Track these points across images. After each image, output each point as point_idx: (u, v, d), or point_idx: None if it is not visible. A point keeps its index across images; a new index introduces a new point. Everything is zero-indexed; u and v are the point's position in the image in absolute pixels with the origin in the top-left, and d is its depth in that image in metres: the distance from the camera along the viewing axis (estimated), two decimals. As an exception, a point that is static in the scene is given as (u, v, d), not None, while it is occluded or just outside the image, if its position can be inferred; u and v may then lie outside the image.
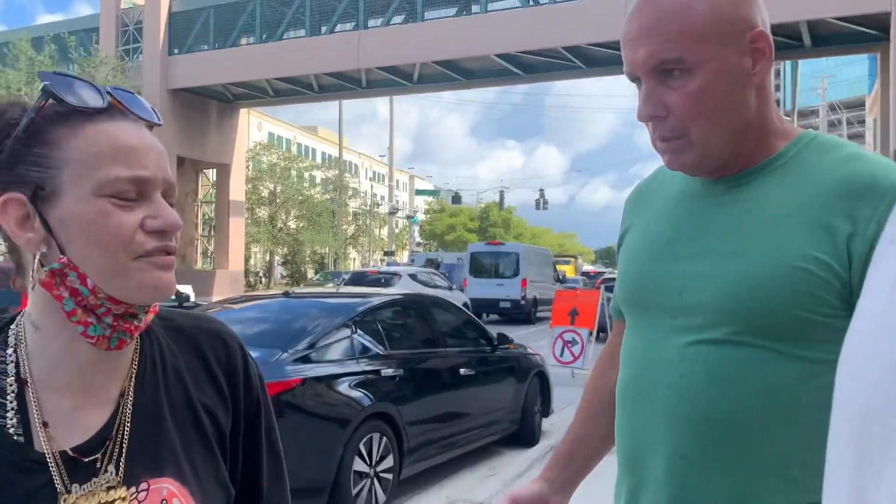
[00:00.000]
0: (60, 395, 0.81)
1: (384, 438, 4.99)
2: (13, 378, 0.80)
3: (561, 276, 29.09)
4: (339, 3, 27.06)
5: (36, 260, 0.78)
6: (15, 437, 0.78)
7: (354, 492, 4.69)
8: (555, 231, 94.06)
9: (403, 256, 55.21)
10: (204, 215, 35.31)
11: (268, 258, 42.99)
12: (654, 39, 1.05)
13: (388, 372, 5.17)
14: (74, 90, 0.79)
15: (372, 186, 67.03)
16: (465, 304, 18.63)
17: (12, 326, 0.84)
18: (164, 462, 0.85)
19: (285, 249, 42.46)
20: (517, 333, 10.65)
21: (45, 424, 0.79)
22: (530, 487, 1.28)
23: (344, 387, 4.77)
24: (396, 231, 52.57)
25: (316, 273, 42.00)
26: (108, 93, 0.82)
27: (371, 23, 26.79)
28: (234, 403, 0.95)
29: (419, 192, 60.90)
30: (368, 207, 52.57)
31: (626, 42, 1.09)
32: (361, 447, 4.78)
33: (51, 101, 0.79)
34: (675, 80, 1.05)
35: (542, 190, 52.11)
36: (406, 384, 5.34)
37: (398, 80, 27.95)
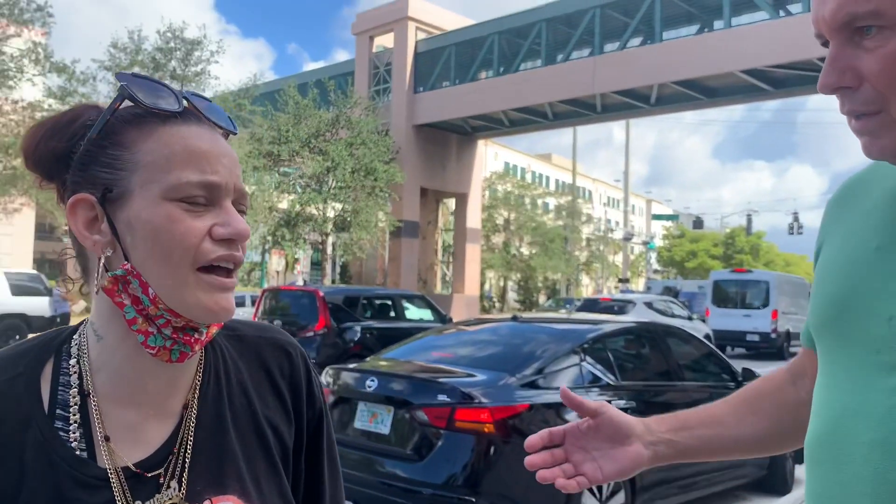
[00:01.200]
0: (123, 408, 0.79)
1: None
2: (76, 390, 0.78)
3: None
4: (575, 31, 27.19)
5: (101, 264, 0.76)
6: (77, 452, 0.76)
7: (583, 526, 4.51)
8: (811, 258, 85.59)
9: (639, 284, 53.47)
10: (443, 242, 37.09)
11: (501, 283, 43.95)
12: None
13: (619, 403, 4.93)
14: (150, 92, 0.78)
15: (606, 212, 66.04)
16: (706, 336, 17.49)
17: (75, 337, 0.82)
18: (228, 478, 0.82)
19: (518, 275, 43.14)
20: (766, 370, 9.72)
21: (107, 439, 0.77)
22: (627, 418, 1.09)
23: (572, 415, 4.62)
24: (632, 257, 51.12)
25: (548, 299, 42.13)
26: (184, 98, 0.80)
27: (607, 47, 26.56)
28: (297, 417, 0.91)
29: (657, 217, 58.73)
30: (602, 233, 51.78)
31: None
32: (590, 480, 4.60)
33: (126, 102, 0.77)
34: (871, 40, 0.81)
35: (795, 213, 47.62)
36: (639, 417, 5.06)
37: (635, 102, 27.34)
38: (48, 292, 16.12)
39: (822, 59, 0.88)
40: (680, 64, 23.86)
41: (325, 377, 5.14)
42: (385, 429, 4.52)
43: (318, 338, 10.46)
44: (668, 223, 65.99)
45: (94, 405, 0.78)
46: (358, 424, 4.67)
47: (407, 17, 32.09)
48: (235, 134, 0.84)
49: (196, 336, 0.78)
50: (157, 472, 0.78)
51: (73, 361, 0.80)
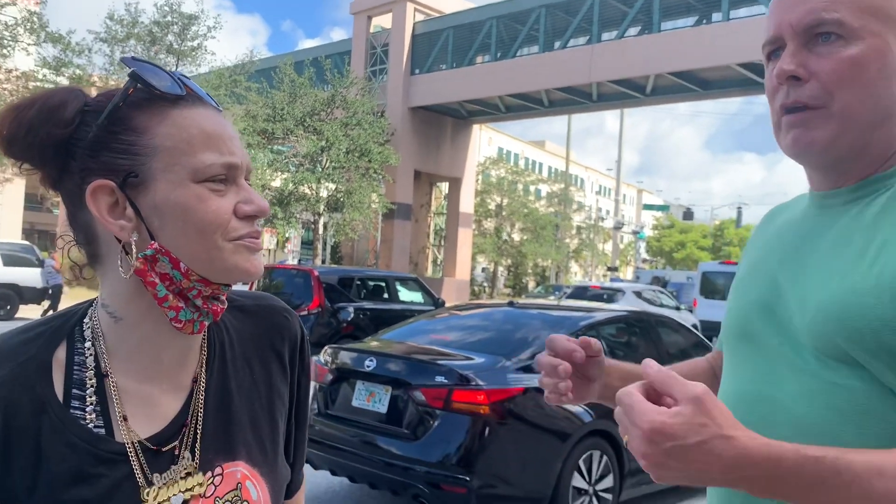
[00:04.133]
0: (139, 385, 0.82)
1: (604, 457, 4.88)
2: (92, 371, 0.80)
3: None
4: (574, 18, 27.13)
5: (133, 247, 0.77)
6: (94, 430, 0.78)
7: (572, 507, 4.64)
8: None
9: (627, 273, 53.74)
10: (436, 226, 37.12)
11: (492, 268, 44.09)
12: None
13: (610, 389, 5.06)
14: (157, 77, 0.79)
15: (598, 200, 66.18)
16: (693, 326, 17.66)
17: (86, 320, 0.83)
18: (236, 445, 0.86)
19: (509, 261, 43.28)
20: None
21: (124, 418, 0.80)
22: (606, 363, 1.18)
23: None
24: (621, 246, 51.33)
25: (537, 285, 42.32)
26: (179, 79, 0.81)
27: (605, 36, 26.54)
28: (292, 377, 0.97)
29: (647, 207, 58.97)
30: (593, 221, 51.95)
31: (777, 2, 1.00)
32: (581, 463, 4.72)
33: (138, 86, 0.78)
34: (827, 47, 0.94)
35: (784, 208, 47.84)
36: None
37: (630, 92, 27.37)
38: (40, 263, 16.07)
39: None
40: (677, 55, 23.89)
41: (324, 356, 5.23)
42: (382, 408, 4.63)
43: (312, 317, 10.54)
44: (659, 213, 66.25)
45: (113, 385, 0.80)
46: (356, 403, 4.78)
47: (405, -1, 31.91)
48: (220, 112, 0.85)
49: (218, 305, 0.83)
50: (172, 444, 0.82)
51: (87, 344, 0.81)
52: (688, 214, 53.75)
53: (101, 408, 0.79)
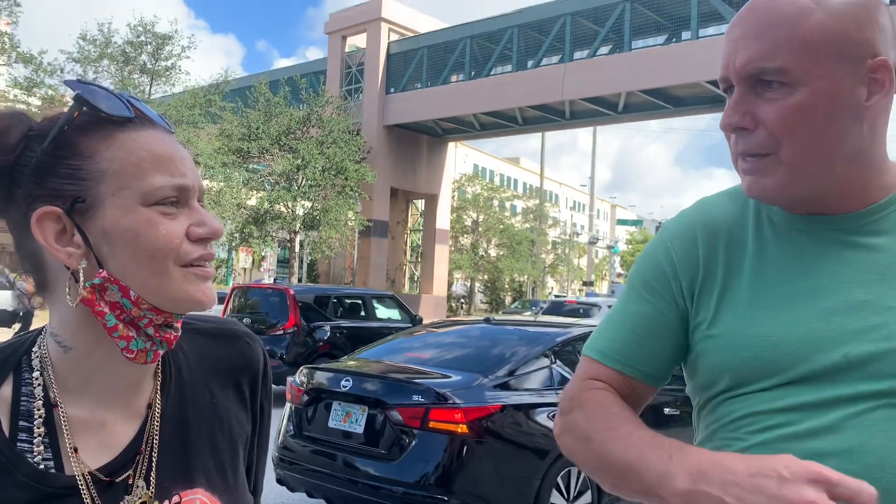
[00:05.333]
0: (91, 414, 0.79)
1: (582, 473, 4.90)
2: (41, 402, 0.77)
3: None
4: (546, 37, 27.46)
5: (81, 275, 0.74)
6: (42, 466, 0.75)
7: (550, 524, 4.64)
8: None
9: (602, 287, 54.07)
10: (412, 242, 37.12)
11: (468, 284, 44.13)
12: (758, 44, 0.91)
13: (586, 405, 5.08)
14: (102, 99, 0.76)
15: (572, 216, 66.64)
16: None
17: (34, 349, 0.81)
18: (195, 472, 0.83)
19: (485, 276, 43.37)
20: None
21: (75, 450, 0.77)
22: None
23: (542, 417, 4.75)
24: (596, 261, 51.67)
25: (514, 300, 42.41)
26: (128, 101, 0.79)
27: (577, 55, 26.88)
28: (252, 404, 0.94)
29: (621, 222, 59.54)
30: (568, 237, 52.29)
31: (727, 42, 0.95)
32: (559, 480, 4.73)
33: (84, 109, 0.76)
34: (773, 93, 0.91)
35: (756, 222, 48.56)
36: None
37: (603, 110, 27.71)
38: (11, 285, 15.80)
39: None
40: (648, 73, 24.24)
41: (299, 376, 5.20)
42: (359, 428, 4.60)
43: (288, 336, 10.46)
44: (633, 228, 66.90)
45: (63, 415, 0.77)
46: (332, 423, 4.75)
47: (380, 18, 32.09)
48: (173, 133, 0.83)
49: (171, 332, 0.79)
50: (126, 473, 0.79)
51: (35, 374, 0.78)
52: (661, 229, 54.14)
53: (50, 439, 0.77)
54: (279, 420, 5.23)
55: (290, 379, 5.26)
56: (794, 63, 0.89)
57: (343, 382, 4.77)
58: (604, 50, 26.39)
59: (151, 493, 0.79)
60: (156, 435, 0.82)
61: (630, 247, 67.71)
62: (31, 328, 0.82)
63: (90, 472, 0.77)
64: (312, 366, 5.37)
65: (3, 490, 0.74)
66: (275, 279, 28.12)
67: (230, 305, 11.75)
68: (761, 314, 0.96)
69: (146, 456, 0.81)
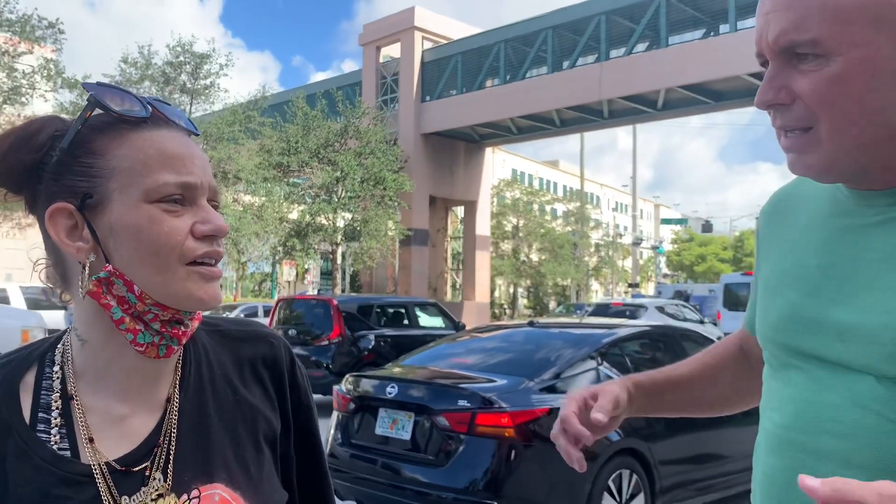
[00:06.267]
0: (108, 406, 0.81)
1: (634, 476, 4.79)
2: (58, 394, 0.80)
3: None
4: (581, 37, 27.27)
5: (86, 270, 0.77)
6: (60, 452, 0.78)
7: (603, 529, 4.54)
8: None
9: (649, 288, 53.36)
10: (453, 250, 37.15)
11: (511, 290, 43.95)
12: (789, 15, 0.86)
13: (636, 406, 4.97)
14: (118, 100, 0.79)
15: (614, 217, 65.95)
16: (718, 339, 17.44)
17: (59, 345, 0.84)
18: (214, 467, 0.83)
19: (528, 281, 43.14)
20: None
21: (90, 440, 0.79)
22: (614, 391, 1.13)
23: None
24: (641, 262, 51.03)
25: (558, 305, 42.11)
26: (149, 103, 0.81)
27: (613, 53, 26.64)
28: (281, 403, 0.94)
29: (665, 221, 58.62)
30: (611, 238, 51.74)
31: (759, 15, 0.91)
32: (610, 483, 4.63)
33: (96, 111, 0.79)
34: (808, 65, 0.86)
35: (804, 216, 47.35)
36: (657, 421, 5.09)
37: (642, 107, 27.38)
38: (63, 305, 16.25)
39: (755, 76, 0.94)
40: (686, 68, 23.90)
41: (345, 384, 5.20)
42: (406, 434, 4.58)
43: (333, 346, 10.52)
44: (677, 227, 65.87)
45: (78, 407, 0.80)
46: (379, 431, 4.73)
47: (413, 27, 32.27)
48: (198, 135, 0.86)
49: (182, 328, 0.81)
50: (143, 465, 0.80)
51: (56, 368, 0.82)
52: (706, 227, 53.42)
53: (67, 430, 0.79)
54: (327, 429, 5.24)
55: (336, 388, 5.27)
56: (827, 33, 0.84)
57: (388, 389, 4.75)
58: (640, 47, 26.09)
59: (168, 485, 0.80)
60: (174, 428, 0.83)
61: (675, 246, 66.66)
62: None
63: (106, 463, 0.79)
64: (358, 374, 5.37)
65: (21, 472, 0.76)
66: (318, 291, 28.41)
67: (275, 318, 11.87)
68: (775, 288, 1.04)
69: (164, 449, 0.82)
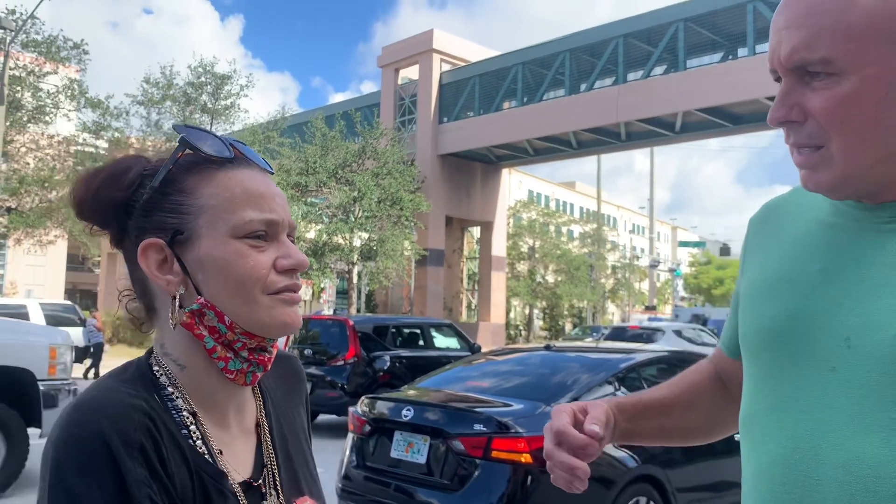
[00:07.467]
0: (218, 429, 0.86)
1: (651, 503, 4.73)
2: (186, 412, 0.83)
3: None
4: (599, 60, 27.36)
5: (176, 301, 0.82)
6: (218, 466, 0.82)
7: (620, 557, 4.48)
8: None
9: (665, 311, 52.95)
10: (468, 270, 37.11)
11: (527, 311, 43.78)
12: (801, 33, 0.86)
13: (654, 433, 4.92)
14: (204, 141, 0.84)
15: (631, 239, 65.68)
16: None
17: (156, 368, 0.85)
18: (301, 482, 0.93)
19: (544, 303, 42.97)
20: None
21: (220, 452, 0.84)
22: (603, 406, 1.12)
23: (608, 445, 4.62)
24: (658, 285, 50.70)
25: (574, 327, 41.87)
26: (231, 144, 0.86)
27: (631, 76, 26.69)
28: (308, 417, 1.05)
29: (683, 244, 58.31)
30: (628, 260, 51.49)
31: (772, 32, 0.91)
32: (627, 510, 4.57)
33: (186, 151, 0.84)
34: (821, 82, 0.86)
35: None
36: (675, 447, 5.04)
37: (659, 130, 27.36)
38: (82, 323, 16.38)
39: (773, 99, 0.94)
40: (704, 91, 23.88)
41: (361, 406, 5.19)
42: (421, 458, 4.55)
43: (349, 367, 10.51)
44: (695, 250, 65.47)
45: (201, 423, 0.84)
46: (394, 454, 4.71)
47: (432, 50, 32.54)
48: (272, 173, 0.90)
49: (266, 355, 0.87)
50: (258, 483, 0.87)
51: (169, 389, 0.84)
52: (725, 250, 53.05)
53: (206, 446, 0.83)
54: (341, 451, 5.21)
55: (351, 409, 5.25)
56: (839, 52, 0.84)
57: (404, 412, 4.74)
58: (658, 70, 26.12)
59: (281, 502, 0.88)
60: (272, 450, 0.91)
61: (693, 269, 66.20)
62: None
63: (241, 482, 0.85)
64: (374, 395, 5.36)
65: (181, 478, 0.79)
66: (334, 310, 28.45)
67: (291, 337, 11.88)
68: (768, 294, 1.01)
69: (270, 470, 0.89)
